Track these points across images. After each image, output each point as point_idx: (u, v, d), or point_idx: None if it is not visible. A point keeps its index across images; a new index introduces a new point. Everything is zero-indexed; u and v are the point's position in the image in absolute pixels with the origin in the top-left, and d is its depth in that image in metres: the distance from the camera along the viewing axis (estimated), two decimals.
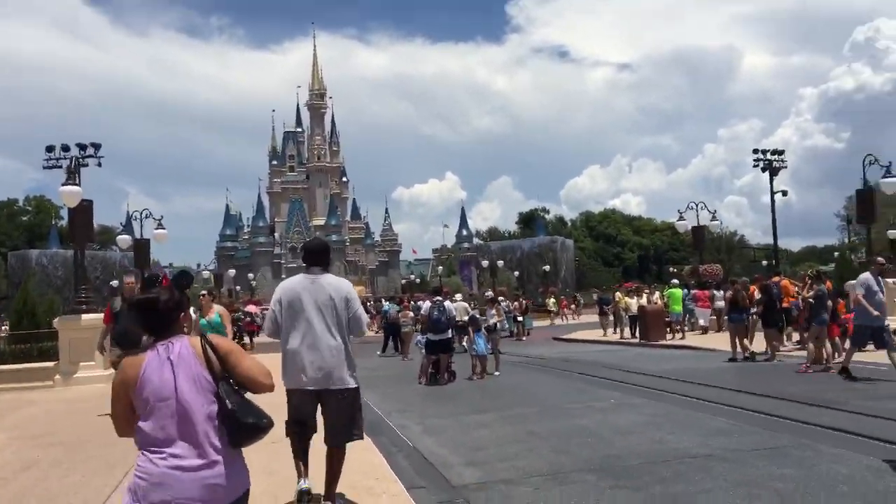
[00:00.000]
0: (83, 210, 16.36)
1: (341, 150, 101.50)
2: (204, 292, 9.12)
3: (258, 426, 2.85)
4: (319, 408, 4.93)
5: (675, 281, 20.76)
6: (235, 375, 2.91)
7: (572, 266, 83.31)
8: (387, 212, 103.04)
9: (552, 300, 40.08)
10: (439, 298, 13.20)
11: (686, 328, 20.79)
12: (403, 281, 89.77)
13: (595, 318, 45.60)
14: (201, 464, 2.75)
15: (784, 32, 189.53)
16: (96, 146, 19.94)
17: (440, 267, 71.31)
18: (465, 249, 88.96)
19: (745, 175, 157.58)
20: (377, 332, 25.88)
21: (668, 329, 20.34)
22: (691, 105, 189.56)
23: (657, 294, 21.25)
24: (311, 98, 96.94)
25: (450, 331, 12.92)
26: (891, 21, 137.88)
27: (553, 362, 16.43)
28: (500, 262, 53.16)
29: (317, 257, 5.01)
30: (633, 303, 21.80)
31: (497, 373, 13.48)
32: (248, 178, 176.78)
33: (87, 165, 20.14)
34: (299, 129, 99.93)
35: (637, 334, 20.90)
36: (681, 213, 24.51)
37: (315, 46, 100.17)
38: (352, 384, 4.85)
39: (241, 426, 2.81)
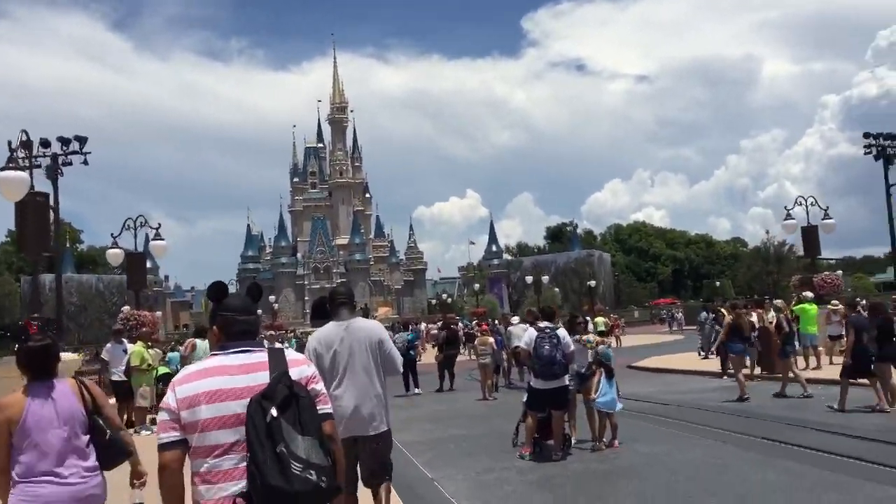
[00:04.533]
0: (134, 261, 16.95)
1: (364, 166, 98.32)
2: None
3: (124, 452, 3.78)
4: None
5: (809, 294, 16.43)
6: (102, 416, 3.72)
7: (611, 281, 79.12)
8: (411, 229, 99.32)
9: (601, 319, 35.48)
10: (549, 325, 8.52)
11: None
12: (433, 301, 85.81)
13: (646, 338, 41.86)
14: (79, 481, 3.51)
15: (804, 39, 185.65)
16: (81, 140, 16.32)
17: (475, 285, 67.05)
18: (494, 266, 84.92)
19: (769, 186, 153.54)
20: None
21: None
22: (712, 116, 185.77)
23: (771, 311, 17.10)
24: (333, 112, 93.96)
25: (567, 375, 8.48)
26: None
27: (687, 413, 11.69)
28: (546, 278, 48.76)
29: (344, 299, 5.04)
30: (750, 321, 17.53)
31: (617, 441, 8.93)
32: (270, 199, 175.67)
33: (70, 164, 16.56)
34: (321, 145, 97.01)
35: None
36: (788, 211, 20.27)
37: (335, 59, 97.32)
38: (387, 427, 4.89)
39: (112, 451, 3.71)
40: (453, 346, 19.97)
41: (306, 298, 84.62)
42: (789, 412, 11.29)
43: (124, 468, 3.91)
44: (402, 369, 5.41)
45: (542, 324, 8.57)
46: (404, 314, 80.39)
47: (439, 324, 31.56)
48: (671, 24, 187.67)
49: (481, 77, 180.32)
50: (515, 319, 19.86)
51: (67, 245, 75.70)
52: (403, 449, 9.60)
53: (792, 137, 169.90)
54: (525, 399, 8.85)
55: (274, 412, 2.43)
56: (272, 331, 39.37)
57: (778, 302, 15.75)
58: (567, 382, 8.46)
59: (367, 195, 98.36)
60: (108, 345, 14.06)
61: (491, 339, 16.47)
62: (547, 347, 8.14)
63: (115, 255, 17.00)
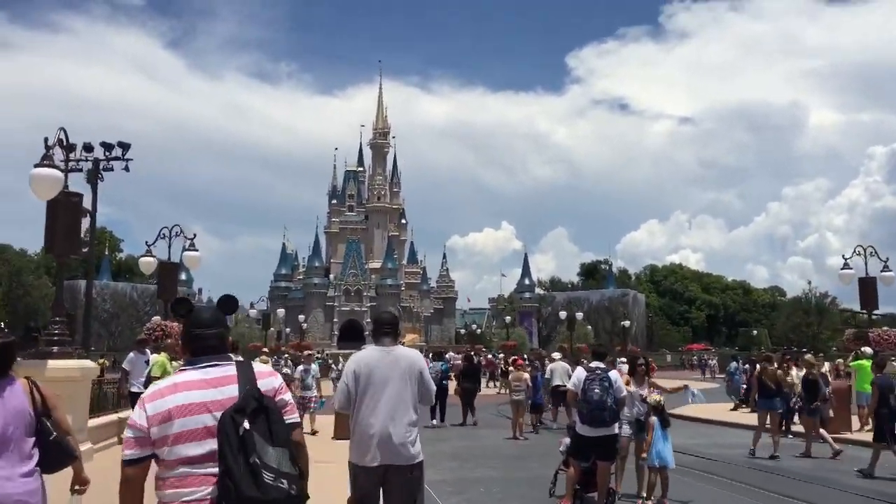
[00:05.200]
0: (166, 271, 16.53)
1: (402, 192, 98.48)
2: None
3: (67, 456, 3.70)
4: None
5: (868, 350, 15.43)
6: (52, 419, 3.65)
7: (644, 322, 77.63)
8: (444, 257, 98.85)
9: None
10: (601, 366, 7.73)
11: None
12: (463, 331, 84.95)
13: (678, 384, 40.33)
14: (22, 474, 3.43)
15: (851, 88, 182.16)
16: (124, 146, 16.24)
17: (507, 317, 66.14)
18: (526, 299, 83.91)
19: (810, 236, 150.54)
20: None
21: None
22: (755, 161, 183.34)
23: (826, 365, 16.22)
24: (375, 137, 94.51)
25: (617, 423, 7.71)
26: None
27: (738, 472, 10.77)
28: (579, 315, 47.78)
29: (389, 328, 4.99)
30: (795, 375, 16.64)
31: (667, 500, 8.12)
32: (307, 220, 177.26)
33: (112, 170, 16.47)
34: (360, 169, 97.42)
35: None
36: (846, 260, 19.26)
37: (381, 84, 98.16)
38: (420, 458, 4.75)
39: (55, 454, 3.62)
40: (471, 380, 19.35)
41: (335, 320, 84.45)
42: (852, 479, 10.38)
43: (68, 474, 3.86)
44: (434, 401, 5.37)
45: (593, 364, 7.90)
46: (432, 342, 79.67)
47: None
48: (716, 68, 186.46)
49: (524, 111, 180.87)
50: (557, 355, 19.22)
51: (106, 253, 76.81)
52: (429, 489, 8.96)
53: (836, 188, 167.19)
54: (566, 445, 8.17)
55: (246, 425, 2.52)
56: (298, 350, 38.87)
57: (809, 357, 14.93)
58: (616, 431, 7.73)
59: (403, 221, 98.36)
60: (131, 354, 13.54)
61: (526, 375, 15.79)
62: (597, 391, 7.45)
63: (147, 264, 16.69)
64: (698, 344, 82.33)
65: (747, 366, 22.69)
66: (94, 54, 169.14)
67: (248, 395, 2.62)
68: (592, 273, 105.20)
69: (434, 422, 17.36)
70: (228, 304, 3.08)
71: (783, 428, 13.52)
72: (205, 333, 2.83)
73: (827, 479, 10.25)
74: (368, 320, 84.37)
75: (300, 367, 15.44)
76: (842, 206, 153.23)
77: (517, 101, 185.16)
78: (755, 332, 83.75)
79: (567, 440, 8.24)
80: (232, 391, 2.66)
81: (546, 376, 17.74)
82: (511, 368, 31.85)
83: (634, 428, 8.64)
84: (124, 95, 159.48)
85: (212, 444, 2.57)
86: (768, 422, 13.06)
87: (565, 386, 11.40)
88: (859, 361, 15.13)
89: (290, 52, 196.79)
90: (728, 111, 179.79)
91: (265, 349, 20.91)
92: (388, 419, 4.62)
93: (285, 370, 15.25)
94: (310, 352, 16.00)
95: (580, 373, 7.88)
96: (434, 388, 5.10)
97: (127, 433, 2.69)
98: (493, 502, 8.66)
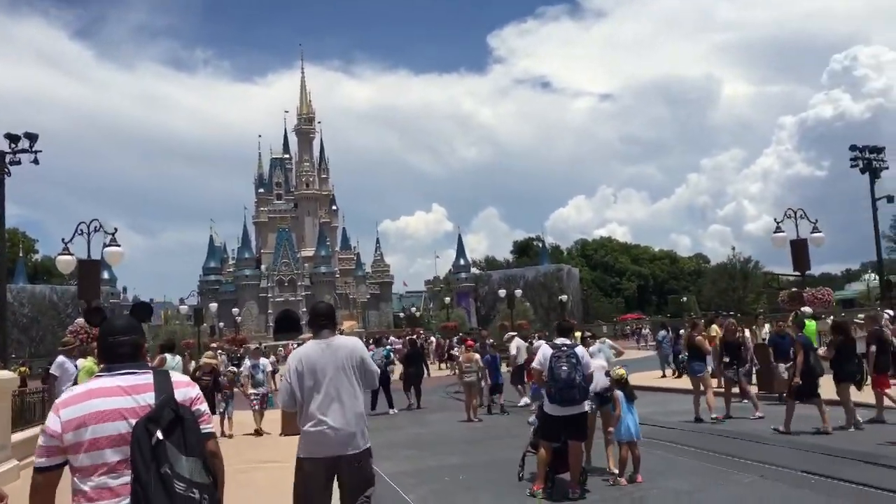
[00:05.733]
0: (87, 269, 15.15)
1: (330, 178, 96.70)
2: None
3: None
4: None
5: (807, 309, 15.71)
6: None
7: (579, 296, 78.77)
8: (378, 242, 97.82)
9: (577, 334, 34.80)
10: (566, 342, 7.37)
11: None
12: (401, 315, 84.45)
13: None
14: None
15: (761, 61, 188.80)
16: (32, 137, 14.98)
17: (447, 298, 65.97)
18: (462, 280, 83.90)
19: (728, 204, 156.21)
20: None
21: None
22: (673, 134, 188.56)
23: (767, 326, 16.53)
24: (300, 122, 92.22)
25: (587, 401, 7.41)
26: (867, 48, 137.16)
27: (706, 440, 10.51)
28: (518, 292, 47.83)
29: (325, 320, 5.00)
30: (748, 337, 16.88)
31: (640, 476, 7.83)
32: (234, 212, 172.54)
33: (19, 163, 15.20)
34: (287, 157, 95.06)
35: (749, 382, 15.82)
36: (778, 223, 19.63)
37: (303, 69, 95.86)
38: (368, 445, 4.77)
39: None
40: (416, 365, 18.95)
41: (269, 311, 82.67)
42: (830, 442, 10.37)
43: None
44: (377, 384, 5.53)
45: (559, 340, 7.54)
46: (370, 328, 78.90)
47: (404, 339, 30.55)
48: (634, 44, 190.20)
49: (448, 92, 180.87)
50: (513, 333, 19.08)
51: (21, 254, 72.80)
52: (390, 481, 8.53)
53: (750, 157, 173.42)
54: (533, 425, 7.82)
55: (160, 435, 2.52)
56: (234, 345, 37.56)
57: (806, 310, 15.12)
58: (586, 409, 7.42)
59: (334, 207, 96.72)
60: (60, 358, 12.35)
61: (476, 356, 15.44)
62: (565, 368, 7.10)
63: (65, 262, 15.29)
64: (632, 314, 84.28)
65: (672, 334, 23.30)
66: None
67: (164, 404, 2.62)
68: (525, 250, 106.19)
69: (392, 411, 16.95)
70: (143, 310, 3.54)
71: (737, 390, 13.49)
72: (119, 341, 2.84)
73: (786, 440, 10.27)
74: (304, 310, 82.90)
75: (247, 363, 14.26)
76: (756, 175, 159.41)
77: (441, 82, 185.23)
78: (684, 298, 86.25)
79: (534, 419, 7.91)
80: (148, 399, 2.67)
81: (512, 353, 17.49)
82: (455, 351, 31.61)
83: (596, 402, 8.43)
84: (29, 88, 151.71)
85: (126, 452, 2.57)
86: (715, 385, 13.10)
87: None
88: (801, 320, 15.35)
89: (206, 39, 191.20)
90: (646, 87, 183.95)
91: (213, 344, 19.84)
92: (334, 411, 4.62)
93: (230, 368, 14.26)
94: (255, 345, 14.91)
95: (545, 350, 7.51)
96: (377, 370, 5.12)
97: (40, 440, 2.68)
98: (462, 490, 8.25)
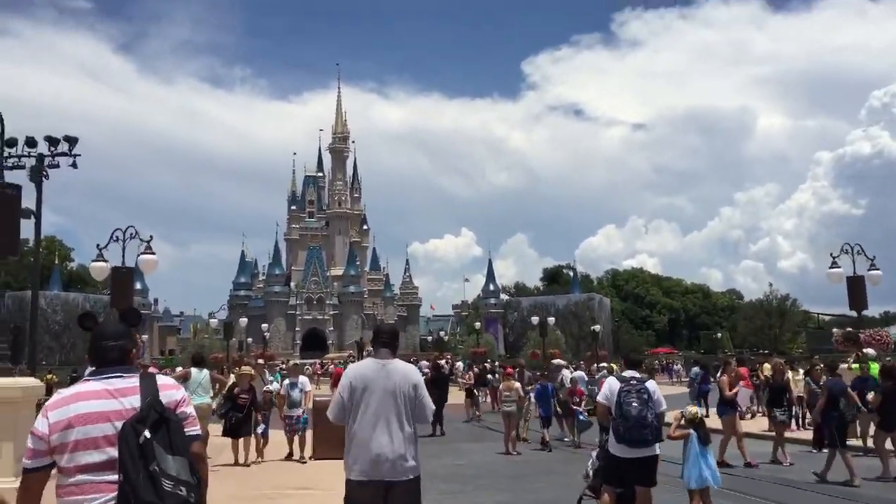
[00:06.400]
0: (120, 277, 15.02)
1: (363, 197, 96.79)
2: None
3: None
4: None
5: (871, 351, 14.84)
6: None
7: (609, 327, 77.41)
8: (407, 263, 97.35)
9: (613, 366, 33.71)
10: (636, 376, 6.69)
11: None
12: (428, 338, 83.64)
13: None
14: None
15: (798, 95, 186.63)
16: (71, 141, 14.73)
17: (476, 323, 65.06)
18: (491, 305, 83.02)
19: (762, 239, 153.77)
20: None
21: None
22: (706, 166, 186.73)
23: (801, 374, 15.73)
24: (335, 141, 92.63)
25: (657, 443, 6.53)
26: None
27: (780, 493, 9.53)
28: (550, 320, 46.88)
29: (387, 341, 4.90)
30: (800, 379, 15.96)
31: None
32: (266, 228, 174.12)
33: (58, 166, 14.93)
34: (320, 174, 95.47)
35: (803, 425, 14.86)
36: (834, 258, 18.67)
37: (339, 87, 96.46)
38: (418, 473, 4.65)
39: None
40: (440, 389, 18.23)
41: (297, 329, 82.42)
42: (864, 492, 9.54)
43: None
44: (430, 419, 5.26)
45: (627, 373, 6.85)
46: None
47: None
48: (668, 75, 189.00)
49: (480, 117, 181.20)
50: (560, 362, 18.28)
51: (56, 262, 73.64)
52: None
53: (785, 192, 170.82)
54: (593, 465, 7.10)
55: (147, 434, 2.62)
56: (261, 360, 37.08)
57: (870, 351, 14.32)
58: (658, 451, 6.66)
59: (365, 227, 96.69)
60: (90, 368, 12.00)
61: (517, 385, 14.66)
62: (636, 405, 6.39)
63: (99, 269, 14.94)
64: (663, 348, 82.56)
65: (702, 371, 22.60)
66: (41, 58, 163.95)
67: (149, 405, 2.70)
68: (555, 278, 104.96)
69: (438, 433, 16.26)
70: (132, 316, 3.16)
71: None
72: (108, 345, 2.92)
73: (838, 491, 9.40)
74: (332, 329, 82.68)
75: (286, 382, 13.33)
76: (791, 211, 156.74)
77: (473, 107, 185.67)
78: (719, 335, 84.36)
79: (594, 459, 7.19)
80: (134, 402, 2.75)
81: (566, 385, 16.49)
82: (489, 377, 30.77)
83: None
84: (72, 100, 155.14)
85: (111, 453, 2.65)
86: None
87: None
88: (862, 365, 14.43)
89: (245, 57, 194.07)
90: (679, 117, 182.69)
91: (259, 360, 19.21)
92: (382, 433, 4.53)
93: (267, 387, 13.45)
94: (294, 362, 14.23)
95: (612, 384, 6.81)
96: (431, 405, 4.86)
97: (28, 442, 2.77)
98: None
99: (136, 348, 3.13)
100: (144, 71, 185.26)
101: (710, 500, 7.20)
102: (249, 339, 60.98)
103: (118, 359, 2.89)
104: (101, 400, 2.74)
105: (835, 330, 21.25)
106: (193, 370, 12.47)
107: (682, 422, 7.51)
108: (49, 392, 16.79)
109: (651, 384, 6.74)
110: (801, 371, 16.69)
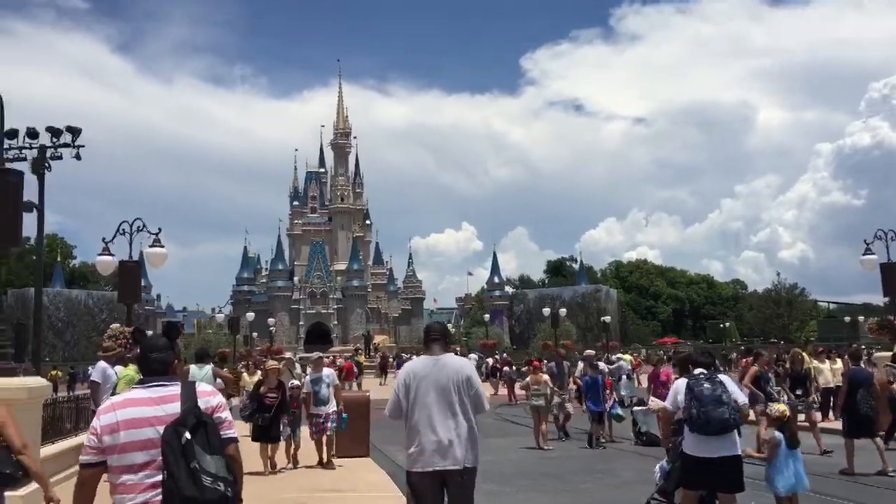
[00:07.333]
0: (128, 271, 14.54)
1: (365, 192, 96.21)
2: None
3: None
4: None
5: None
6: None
7: (616, 318, 76.86)
8: (410, 257, 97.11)
9: (628, 357, 33.00)
10: (703, 372, 6.01)
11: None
12: None
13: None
14: None
15: (797, 87, 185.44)
16: (74, 131, 14.12)
17: (486, 315, 64.53)
18: (496, 297, 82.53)
19: (762, 230, 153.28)
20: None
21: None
22: (707, 159, 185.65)
23: (838, 361, 15.07)
24: (336, 137, 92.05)
25: (738, 441, 5.88)
26: None
27: (860, 492, 8.78)
28: (562, 311, 46.25)
29: (438, 337, 5.10)
30: (826, 368, 15.36)
31: None
32: (268, 224, 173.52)
33: (60, 158, 14.34)
34: (322, 170, 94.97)
35: (833, 417, 14.24)
36: (868, 245, 18.05)
37: (340, 84, 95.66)
38: (475, 464, 4.82)
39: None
40: None
41: (301, 323, 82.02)
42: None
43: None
44: (488, 408, 5.31)
45: (697, 371, 6.16)
46: (401, 343, 77.74)
47: None
48: (667, 69, 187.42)
49: (480, 113, 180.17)
50: (591, 352, 17.50)
51: (59, 260, 73.05)
52: None
53: (785, 184, 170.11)
54: (662, 471, 6.43)
55: (188, 435, 2.89)
56: (269, 356, 36.49)
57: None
58: (739, 451, 5.97)
59: (368, 222, 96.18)
60: (102, 364, 10.84)
61: (546, 377, 13.96)
62: (708, 386, 5.81)
63: (105, 263, 14.16)
64: (670, 338, 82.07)
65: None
66: (39, 58, 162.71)
67: (189, 410, 2.99)
68: (559, 270, 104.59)
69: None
70: (172, 330, 3.41)
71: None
72: (153, 357, 3.23)
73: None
74: (336, 322, 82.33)
75: (307, 378, 11.79)
76: (791, 202, 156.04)
77: (473, 103, 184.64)
78: (726, 324, 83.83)
79: (662, 465, 6.53)
80: (174, 408, 3.03)
81: (625, 379, 15.54)
82: (506, 369, 30.12)
83: None
84: (71, 100, 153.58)
85: (153, 455, 2.93)
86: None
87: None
88: None
89: (244, 56, 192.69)
90: (680, 111, 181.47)
91: (287, 354, 18.44)
92: (439, 425, 4.70)
93: (293, 381, 12.15)
94: (318, 354, 13.07)
95: (678, 385, 6.15)
96: (485, 393, 5.01)
97: (86, 440, 3.13)
98: None
99: (178, 359, 3.37)
100: (143, 71, 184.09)
101: None
102: (255, 334, 60.53)
103: (162, 370, 3.18)
104: (145, 407, 3.02)
105: (861, 318, 20.61)
106: (193, 367, 11.68)
107: (768, 420, 6.81)
108: (55, 389, 16.17)
109: (726, 379, 6.08)
110: (839, 360, 16.05)
